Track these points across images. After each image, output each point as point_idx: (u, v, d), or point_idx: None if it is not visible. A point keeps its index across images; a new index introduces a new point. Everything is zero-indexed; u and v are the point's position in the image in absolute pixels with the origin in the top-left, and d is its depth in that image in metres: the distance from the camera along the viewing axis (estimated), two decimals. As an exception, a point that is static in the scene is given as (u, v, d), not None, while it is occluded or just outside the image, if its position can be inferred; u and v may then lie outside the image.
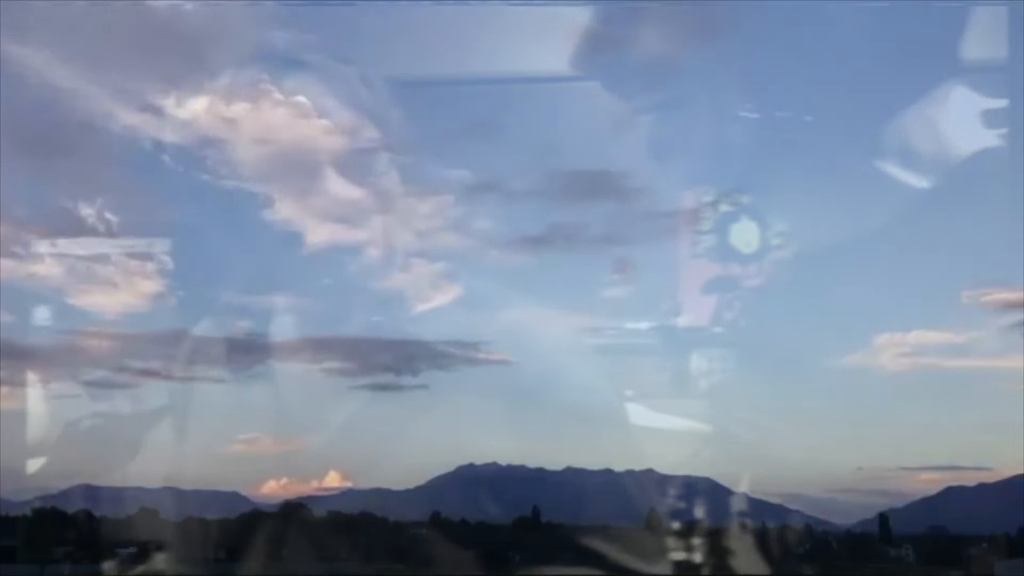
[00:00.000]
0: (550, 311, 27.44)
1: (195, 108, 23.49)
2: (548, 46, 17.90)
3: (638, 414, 17.91)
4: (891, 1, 19.89)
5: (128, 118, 23.55)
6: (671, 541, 15.88)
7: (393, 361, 27.46)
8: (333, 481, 26.81)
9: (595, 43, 18.66)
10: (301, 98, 23.99)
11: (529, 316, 24.05)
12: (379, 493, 27.56)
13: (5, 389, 21.29)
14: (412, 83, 20.83)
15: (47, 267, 22.94)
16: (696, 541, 16.17)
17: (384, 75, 21.38)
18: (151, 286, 25.32)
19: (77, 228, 21.68)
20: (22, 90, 20.21)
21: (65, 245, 22.38)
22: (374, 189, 26.38)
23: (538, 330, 23.29)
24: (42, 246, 22.58)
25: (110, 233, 21.29)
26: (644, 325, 19.91)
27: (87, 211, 21.98)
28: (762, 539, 25.59)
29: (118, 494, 20.74)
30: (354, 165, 25.60)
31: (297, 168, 27.81)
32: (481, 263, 27.71)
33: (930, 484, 32.21)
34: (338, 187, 26.03)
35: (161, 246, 23.09)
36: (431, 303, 26.78)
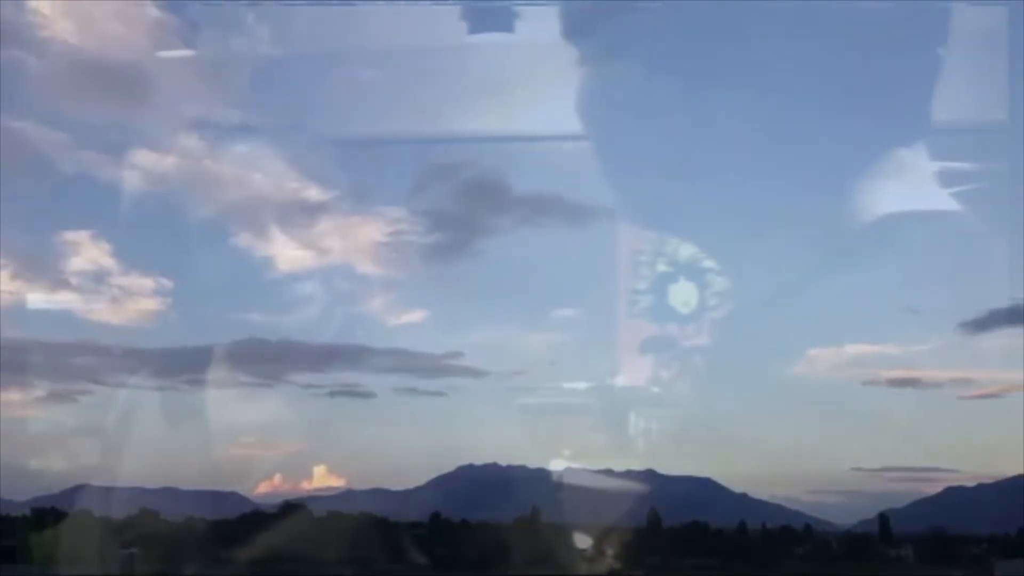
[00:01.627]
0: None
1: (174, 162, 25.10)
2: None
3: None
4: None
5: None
6: (670, 541, 15.83)
7: (376, 370, 27.90)
8: (333, 481, 26.82)
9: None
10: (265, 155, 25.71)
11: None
12: (379, 493, 27.52)
13: (13, 395, 21.46)
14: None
15: (58, 288, 24.26)
16: (695, 541, 16.11)
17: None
18: (150, 306, 26.12)
19: (88, 258, 23.27)
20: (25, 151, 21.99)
21: (76, 272, 23.94)
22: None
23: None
24: (54, 272, 24.13)
25: (115, 262, 22.84)
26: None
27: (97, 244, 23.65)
28: (762, 539, 25.52)
29: (118, 494, 20.71)
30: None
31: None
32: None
33: (930, 484, 32.27)
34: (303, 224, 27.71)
35: (158, 273, 24.50)
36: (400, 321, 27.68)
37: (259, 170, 26.24)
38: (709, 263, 18.04)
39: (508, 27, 17.90)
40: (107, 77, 23.45)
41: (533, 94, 20.07)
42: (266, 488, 25.57)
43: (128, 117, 25.08)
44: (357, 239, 28.65)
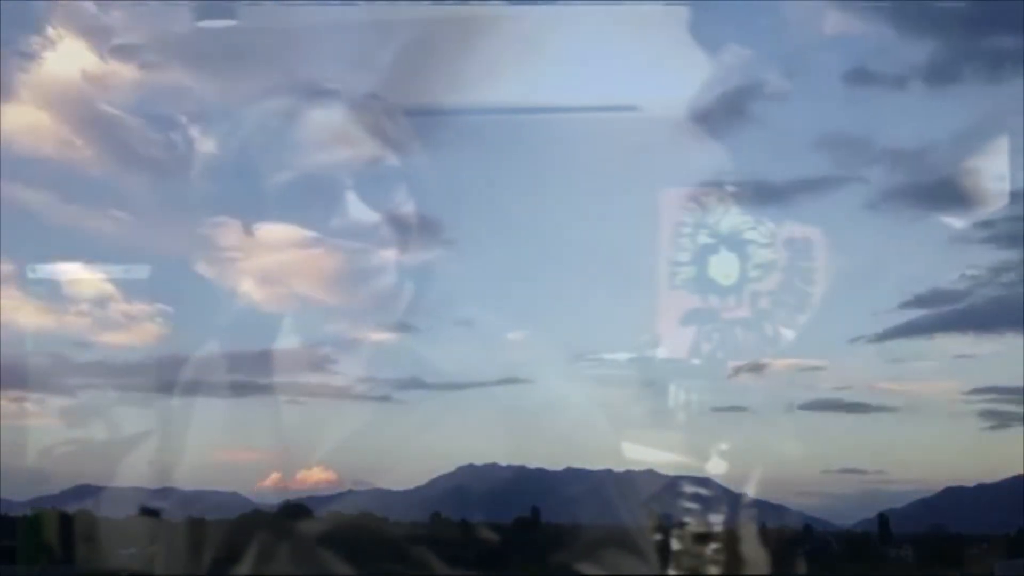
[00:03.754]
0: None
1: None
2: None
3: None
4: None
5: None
6: (671, 541, 15.90)
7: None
8: (333, 482, 26.90)
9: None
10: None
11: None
12: (379, 494, 27.60)
13: (14, 398, 21.75)
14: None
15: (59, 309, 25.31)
16: (695, 541, 16.18)
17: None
18: (149, 323, 26.74)
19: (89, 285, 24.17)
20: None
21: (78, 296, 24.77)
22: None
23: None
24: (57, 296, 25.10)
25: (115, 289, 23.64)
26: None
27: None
28: (762, 539, 25.63)
29: (118, 494, 20.87)
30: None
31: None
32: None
33: (930, 484, 32.35)
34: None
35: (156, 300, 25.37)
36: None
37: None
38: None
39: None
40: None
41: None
42: (266, 488, 25.61)
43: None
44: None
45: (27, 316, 22.98)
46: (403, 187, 21.12)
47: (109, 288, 25.48)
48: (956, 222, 20.19)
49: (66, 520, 20.46)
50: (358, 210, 21.37)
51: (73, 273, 23.58)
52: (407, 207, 20.22)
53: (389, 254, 22.94)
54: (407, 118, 19.69)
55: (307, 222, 25.42)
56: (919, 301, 25.75)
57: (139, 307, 25.98)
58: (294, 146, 20.90)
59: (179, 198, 23.79)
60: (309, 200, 22.69)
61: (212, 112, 20.72)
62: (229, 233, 25.82)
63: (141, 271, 22.88)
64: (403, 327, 26.68)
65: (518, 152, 22.78)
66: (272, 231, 26.10)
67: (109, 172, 25.10)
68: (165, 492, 22.18)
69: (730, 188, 14.13)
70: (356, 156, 20.12)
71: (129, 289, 25.18)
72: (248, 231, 26.29)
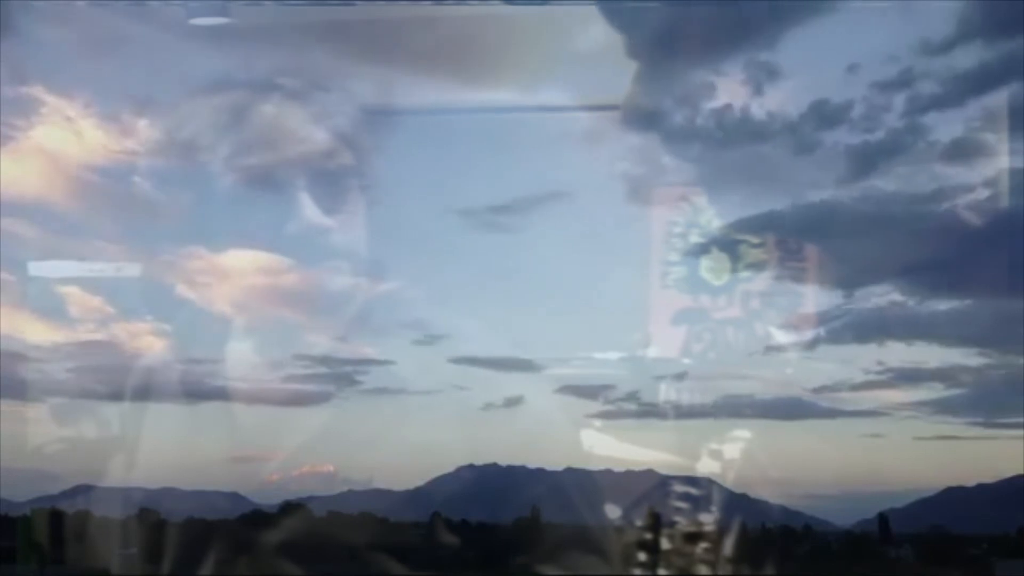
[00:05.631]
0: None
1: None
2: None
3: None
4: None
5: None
6: (670, 541, 15.83)
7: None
8: (332, 481, 26.90)
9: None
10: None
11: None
12: (379, 493, 27.62)
13: (14, 399, 21.69)
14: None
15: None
16: (695, 541, 16.11)
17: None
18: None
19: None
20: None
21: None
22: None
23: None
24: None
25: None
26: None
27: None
28: (762, 539, 25.62)
29: (118, 494, 20.83)
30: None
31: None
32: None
33: (930, 484, 32.28)
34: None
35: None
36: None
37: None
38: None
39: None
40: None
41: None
42: (266, 488, 25.61)
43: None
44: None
45: (25, 329, 23.07)
46: (368, 210, 21.39)
47: (98, 303, 25.59)
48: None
49: (65, 520, 20.42)
50: (327, 236, 21.53)
51: (66, 289, 23.69)
52: (370, 229, 20.53)
53: (360, 280, 23.14)
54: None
55: (281, 250, 25.72)
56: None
57: (130, 320, 26.03)
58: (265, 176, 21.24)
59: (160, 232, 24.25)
60: (285, 229, 23.00)
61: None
62: (199, 261, 26.08)
63: (128, 289, 22.94)
64: (368, 343, 26.98)
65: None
66: (246, 258, 26.23)
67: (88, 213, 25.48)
68: (163, 492, 22.24)
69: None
70: (321, 167, 20.57)
71: (117, 302, 25.30)
72: (220, 259, 26.58)
